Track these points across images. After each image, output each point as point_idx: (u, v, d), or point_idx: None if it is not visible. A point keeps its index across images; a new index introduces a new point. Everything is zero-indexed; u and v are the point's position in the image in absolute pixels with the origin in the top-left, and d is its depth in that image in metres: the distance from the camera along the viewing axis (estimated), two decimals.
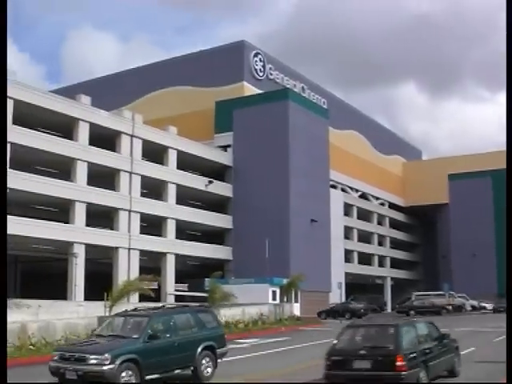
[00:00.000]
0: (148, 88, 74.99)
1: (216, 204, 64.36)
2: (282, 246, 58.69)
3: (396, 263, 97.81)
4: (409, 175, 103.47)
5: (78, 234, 49.20)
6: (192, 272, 61.88)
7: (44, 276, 56.55)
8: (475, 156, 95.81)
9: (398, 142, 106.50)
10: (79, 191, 49.65)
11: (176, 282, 58.27)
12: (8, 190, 42.20)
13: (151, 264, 55.71)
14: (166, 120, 64.65)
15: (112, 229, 53.64)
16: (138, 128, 55.83)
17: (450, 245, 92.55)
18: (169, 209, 57.86)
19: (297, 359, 23.49)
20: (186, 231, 61.37)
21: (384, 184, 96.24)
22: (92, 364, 15.24)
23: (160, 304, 26.22)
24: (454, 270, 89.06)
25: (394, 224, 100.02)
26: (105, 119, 53.13)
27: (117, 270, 52.34)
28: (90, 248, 49.91)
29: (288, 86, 73.72)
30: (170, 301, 54.24)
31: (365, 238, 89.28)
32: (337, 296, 62.09)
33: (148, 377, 15.99)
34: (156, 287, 43.54)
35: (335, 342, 15.56)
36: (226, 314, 38.96)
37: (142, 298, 40.91)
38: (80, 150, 50.13)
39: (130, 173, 54.36)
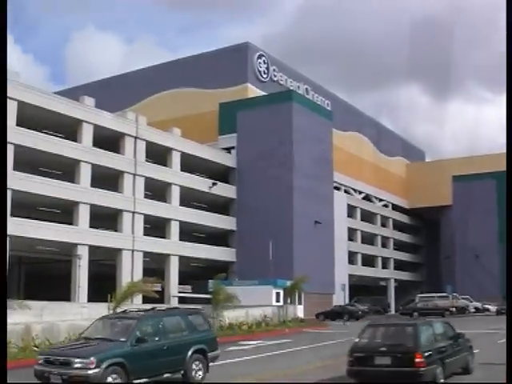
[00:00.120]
0: (152, 90, 75.06)
1: (220, 206, 64.35)
2: (285, 247, 58.66)
3: (399, 265, 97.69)
4: (412, 177, 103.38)
5: (81, 235, 49.22)
6: (196, 274, 61.85)
7: (48, 277, 56.58)
8: (479, 158, 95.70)
9: (401, 143, 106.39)
10: (83, 193, 49.69)
11: (180, 284, 58.28)
12: (12, 192, 42.54)
13: (155, 266, 55.75)
14: (169, 122, 64.69)
15: (116, 230, 53.65)
16: (142, 130, 55.88)
17: (453, 246, 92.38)
18: (172, 210, 57.87)
19: (302, 361, 23.42)
20: (189, 233, 61.34)
21: (387, 186, 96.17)
22: (77, 368, 14.89)
23: (164, 306, 26.13)
24: (457, 272, 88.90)
25: (398, 226, 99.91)
26: (109, 121, 53.18)
27: (120, 271, 52.37)
28: (93, 249, 49.95)
29: (292, 88, 73.77)
30: (174, 303, 54.27)
31: (368, 239, 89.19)
32: (340, 298, 61.96)
33: (136, 381, 15.65)
34: (159, 289, 43.52)
35: (357, 340, 16.36)
36: (229, 315, 38.98)
37: (146, 300, 40.86)
38: (84, 151, 50.17)
39: (134, 174, 54.38)
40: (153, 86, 74.78)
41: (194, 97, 71.69)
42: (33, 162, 48.42)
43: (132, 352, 15.74)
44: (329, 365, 21.00)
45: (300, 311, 53.42)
